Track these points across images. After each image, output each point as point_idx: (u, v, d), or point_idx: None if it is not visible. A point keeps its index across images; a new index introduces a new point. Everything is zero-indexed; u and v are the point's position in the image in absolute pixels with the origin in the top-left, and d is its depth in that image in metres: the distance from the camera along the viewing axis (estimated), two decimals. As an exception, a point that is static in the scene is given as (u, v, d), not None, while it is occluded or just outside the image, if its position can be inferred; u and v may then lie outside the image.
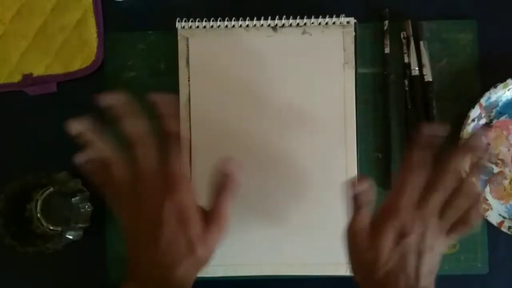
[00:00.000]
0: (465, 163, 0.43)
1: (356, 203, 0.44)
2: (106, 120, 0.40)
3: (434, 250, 0.42)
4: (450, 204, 0.42)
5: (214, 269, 0.54)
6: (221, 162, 0.43)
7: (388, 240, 0.41)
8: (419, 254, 0.41)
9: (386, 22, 0.56)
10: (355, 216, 0.44)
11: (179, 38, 0.56)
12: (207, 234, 0.41)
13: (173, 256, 0.40)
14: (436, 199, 0.42)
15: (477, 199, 0.43)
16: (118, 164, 0.42)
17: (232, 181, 0.43)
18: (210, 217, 0.42)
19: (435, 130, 0.43)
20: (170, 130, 0.42)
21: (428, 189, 0.42)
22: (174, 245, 0.40)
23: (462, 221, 0.43)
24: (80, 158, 0.43)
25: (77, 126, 0.43)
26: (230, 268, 0.54)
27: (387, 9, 0.56)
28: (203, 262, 0.42)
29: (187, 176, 0.42)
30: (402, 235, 0.41)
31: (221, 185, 0.43)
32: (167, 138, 0.42)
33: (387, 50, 0.55)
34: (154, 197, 0.41)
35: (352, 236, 0.43)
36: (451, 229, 0.43)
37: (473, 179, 0.43)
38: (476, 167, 0.44)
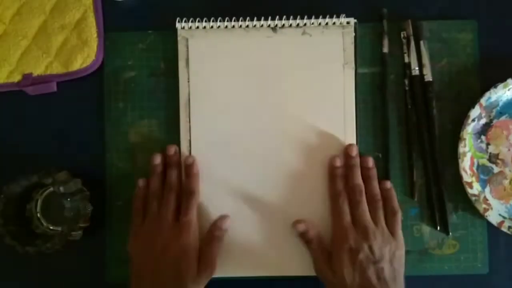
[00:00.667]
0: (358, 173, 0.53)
1: (303, 240, 0.52)
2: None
3: (385, 257, 0.48)
4: (373, 208, 0.51)
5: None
6: (220, 218, 0.53)
7: (345, 263, 0.48)
8: (375, 265, 0.47)
9: (385, 21, 0.56)
10: (310, 251, 0.52)
11: (178, 38, 0.55)
12: (199, 278, 0.49)
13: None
14: (363, 212, 0.50)
15: (389, 190, 0.53)
16: (155, 201, 0.52)
17: (223, 235, 0.53)
18: (202, 262, 0.50)
19: (337, 162, 0.53)
20: (191, 189, 0.52)
21: (353, 207, 0.51)
22: (170, 282, 0.49)
23: (390, 214, 0.51)
24: (142, 182, 0.54)
25: (159, 160, 0.54)
26: (230, 268, 0.54)
27: (385, 9, 0.56)
28: None
29: (195, 225, 0.52)
30: (354, 255, 0.48)
31: (215, 237, 0.52)
32: (187, 194, 0.52)
33: (385, 50, 0.55)
34: (164, 237, 0.50)
35: (318, 271, 0.51)
36: (389, 227, 0.51)
37: (374, 181, 0.53)
38: (371, 171, 0.53)
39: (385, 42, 0.55)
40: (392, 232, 0.50)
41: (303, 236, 0.52)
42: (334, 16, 0.55)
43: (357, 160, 0.53)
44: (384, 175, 0.55)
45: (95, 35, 0.57)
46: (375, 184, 0.53)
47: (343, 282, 0.47)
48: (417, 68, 0.55)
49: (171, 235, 0.50)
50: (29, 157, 0.56)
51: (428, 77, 0.55)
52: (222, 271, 0.53)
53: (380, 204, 0.52)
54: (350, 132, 0.55)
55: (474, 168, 0.55)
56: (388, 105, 0.55)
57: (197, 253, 0.51)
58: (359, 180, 0.52)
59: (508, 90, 0.54)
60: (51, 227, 0.55)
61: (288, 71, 0.55)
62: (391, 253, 0.49)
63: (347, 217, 0.50)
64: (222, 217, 0.53)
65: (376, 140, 0.55)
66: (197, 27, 0.55)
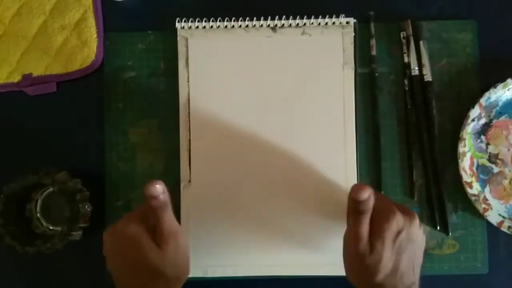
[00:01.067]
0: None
1: (358, 210, 0.44)
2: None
3: (418, 242, 0.45)
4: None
5: (213, 269, 0.54)
6: (145, 188, 0.44)
7: (388, 242, 0.43)
8: (409, 248, 0.44)
9: (372, 24, 0.55)
10: (357, 222, 0.44)
11: (178, 38, 0.56)
12: (162, 253, 0.44)
13: (143, 283, 0.45)
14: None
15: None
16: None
17: (158, 201, 0.44)
18: (157, 238, 0.45)
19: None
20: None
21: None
22: (138, 274, 0.44)
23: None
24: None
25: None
26: (229, 268, 0.54)
27: (372, 12, 0.55)
28: (179, 276, 0.46)
29: (128, 213, 0.47)
30: (397, 233, 0.44)
31: (154, 208, 0.44)
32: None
33: (373, 52, 0.55)
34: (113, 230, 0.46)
35: (354, 242, 0.44)
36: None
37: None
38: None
39: (373, 44, 0.55)
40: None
41: (360, 205, 0.44)
42: (334, 16, 0.55)
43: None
44: (378, 175, 0.55)
45: (95, 35, 0.57)
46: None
47: (378, 261, 0.43)
48: (416, 68, 0.55)
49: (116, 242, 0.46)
50: (29, 157, 0.57)
51: (428, 77, 0.55)
52: (222, 271, 0.53)
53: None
54: (349, 132, 0.55)
55: (474, 168, 0.55)
56: (379, 107, 0.55)
57: (147, 237, 0.44)
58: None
59: (508, 90, 0.54)
60: (51, 227, 0.55)
61: (288, 71, 0.55)
62: (420, 241, 0.46)
63: (390, 200, 0.47)
64: (148, 186, 0.44)
65: (376, 140, 0.55)
66: (197, 27, 0.55)
